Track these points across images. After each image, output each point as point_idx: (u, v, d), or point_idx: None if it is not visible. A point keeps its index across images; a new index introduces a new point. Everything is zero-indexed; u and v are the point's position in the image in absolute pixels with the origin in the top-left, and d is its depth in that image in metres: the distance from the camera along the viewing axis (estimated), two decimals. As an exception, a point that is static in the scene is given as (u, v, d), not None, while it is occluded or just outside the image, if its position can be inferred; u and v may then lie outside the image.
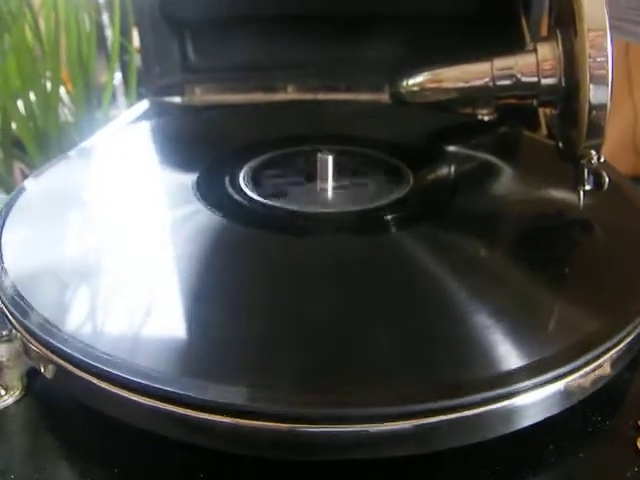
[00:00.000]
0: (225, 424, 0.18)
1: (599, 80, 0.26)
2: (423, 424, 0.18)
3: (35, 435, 0.21)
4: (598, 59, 0.26)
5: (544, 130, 0.41)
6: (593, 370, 0.20)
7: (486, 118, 0.41)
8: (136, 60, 0.57)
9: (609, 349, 0.21)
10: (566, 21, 0.29)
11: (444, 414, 0.18)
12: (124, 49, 0.59)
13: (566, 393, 0.20)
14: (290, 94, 0.48)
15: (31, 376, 0.23)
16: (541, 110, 0.41)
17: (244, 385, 0.18)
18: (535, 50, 0.31)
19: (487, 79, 0.33)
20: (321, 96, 0.47)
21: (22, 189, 0.30)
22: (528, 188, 0.32)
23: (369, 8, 0.46)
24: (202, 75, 0.49)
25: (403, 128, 0.39)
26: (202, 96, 0.48)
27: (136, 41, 0.54)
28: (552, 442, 0.21)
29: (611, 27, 0.25)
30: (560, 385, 0.19)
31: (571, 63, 0.29)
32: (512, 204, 0.30)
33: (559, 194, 0.31)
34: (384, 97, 0.41)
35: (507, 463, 0.20)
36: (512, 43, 0.37)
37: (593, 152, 0.27)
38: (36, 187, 0.31)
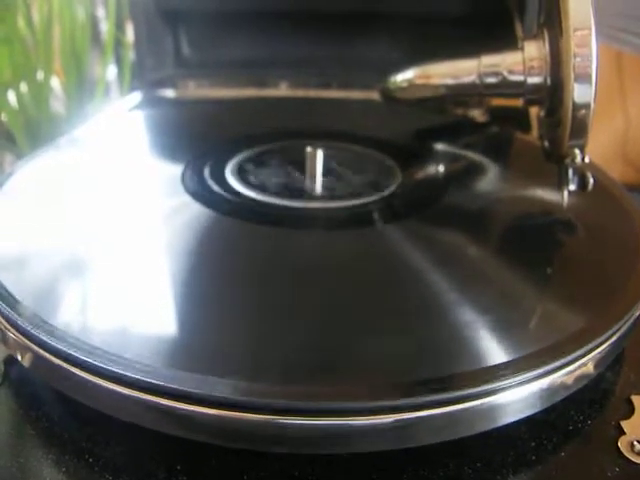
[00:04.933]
0: (208, 415, 0.18)
1: (583, 79, 0.26)
2: (402, 419, 0.18)
3: (11, 424, 0.21)
4: (582, 58, 0.26)
5: (535, 133, 0.41)
6: (576, 369, 0.20)
7: (478, 119, 0.41)
8: (130, 55, 0.57)
9: (593, 349, 0.20)
10: (553, 20, 0.29)
11: (424, 410, 0.18)
12: (119, 43, 0.58)
13: (548, 391, 0.20)
14: (283, 90, 0.47)
15: (8, 364, 0.23)
16: (532, 112, 0.41)
17: (224, 377, 0.18)
18: (522, 48, 0.31)
19: (474, 76, 0.33)
20: (313, 93, 0.47)
21: (9, 175, 0.30)
22: (516, 188, 0.32)
23: (365, 6, 0.46)
24: (195, 69, 0.49)
25: (394, 127, 0.39)
26: (195, 90, 0.48)
27: (131, 35, 0.54)
28: (533, 440, 0.20)
29: (596, 26, 0.25)
30: (542, 383, 0.19)
31: (557, 62, 0.29)
32: (499, 203, 0.30)
33: (546, 194, 0.31)
34: (376, 95, 0.41)
35: (488, 460, 0.20)
36: (506, 46, 0.37)
37: (577, 151, 0.27)
38: (23, 174, 0.31)
